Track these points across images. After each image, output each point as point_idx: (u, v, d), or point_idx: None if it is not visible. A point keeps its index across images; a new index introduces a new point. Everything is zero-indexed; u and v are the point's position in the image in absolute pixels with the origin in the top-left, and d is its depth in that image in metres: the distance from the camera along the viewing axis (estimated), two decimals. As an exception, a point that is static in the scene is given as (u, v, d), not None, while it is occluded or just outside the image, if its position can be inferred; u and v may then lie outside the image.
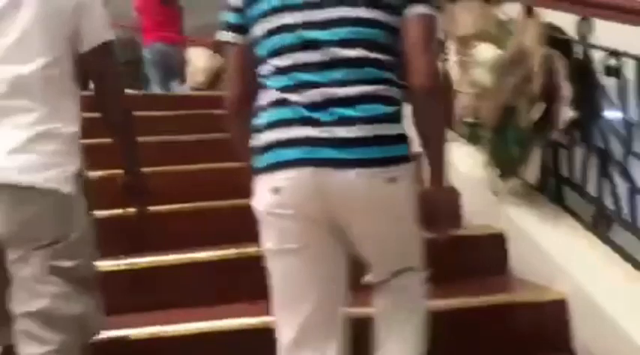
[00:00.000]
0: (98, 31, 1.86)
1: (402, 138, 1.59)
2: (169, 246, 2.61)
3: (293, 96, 1.56)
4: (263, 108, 1.61)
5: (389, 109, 1.56)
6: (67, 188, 1.73)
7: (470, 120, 2.93)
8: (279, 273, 1.63)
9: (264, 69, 1.62)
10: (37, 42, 1.76)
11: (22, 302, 1.71)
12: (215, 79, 6.81)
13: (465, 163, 2.87)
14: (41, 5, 1.77)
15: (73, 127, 1.82)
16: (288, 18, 1.58)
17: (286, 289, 1.63)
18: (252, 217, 1.64)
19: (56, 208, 1.72)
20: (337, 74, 1.54)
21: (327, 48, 1.55)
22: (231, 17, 1.69)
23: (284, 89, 1.57)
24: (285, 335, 1.63)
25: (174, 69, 6.65)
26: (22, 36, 1.75)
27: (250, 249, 2.29)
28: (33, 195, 1.69)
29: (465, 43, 2.92)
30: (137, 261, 2.50)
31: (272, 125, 1.58)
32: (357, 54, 1.55)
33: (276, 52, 1.59)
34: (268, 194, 1.57)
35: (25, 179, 1.68)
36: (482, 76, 2.67)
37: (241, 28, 1.67)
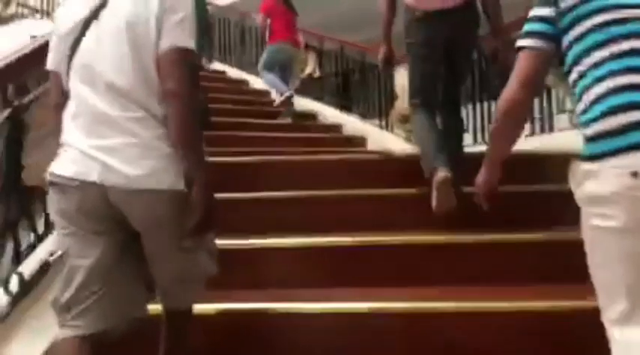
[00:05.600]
0: (175, 35, 1.87)
1: None
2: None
3: None
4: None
5: None
6: (181, 185, 1.88)
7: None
8: None
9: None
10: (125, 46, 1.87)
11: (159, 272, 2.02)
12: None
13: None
14: (125, 6, 1.89)
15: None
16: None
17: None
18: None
19: (180, 204, 1.88)
20: None
21: None
22: (536, 26, 1.84)
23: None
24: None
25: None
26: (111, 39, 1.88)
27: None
28: (162, 196, 1.88)
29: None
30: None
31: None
32: None
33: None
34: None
35: (155, 183, 1.87)
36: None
37: (545, 36, 1.82)
